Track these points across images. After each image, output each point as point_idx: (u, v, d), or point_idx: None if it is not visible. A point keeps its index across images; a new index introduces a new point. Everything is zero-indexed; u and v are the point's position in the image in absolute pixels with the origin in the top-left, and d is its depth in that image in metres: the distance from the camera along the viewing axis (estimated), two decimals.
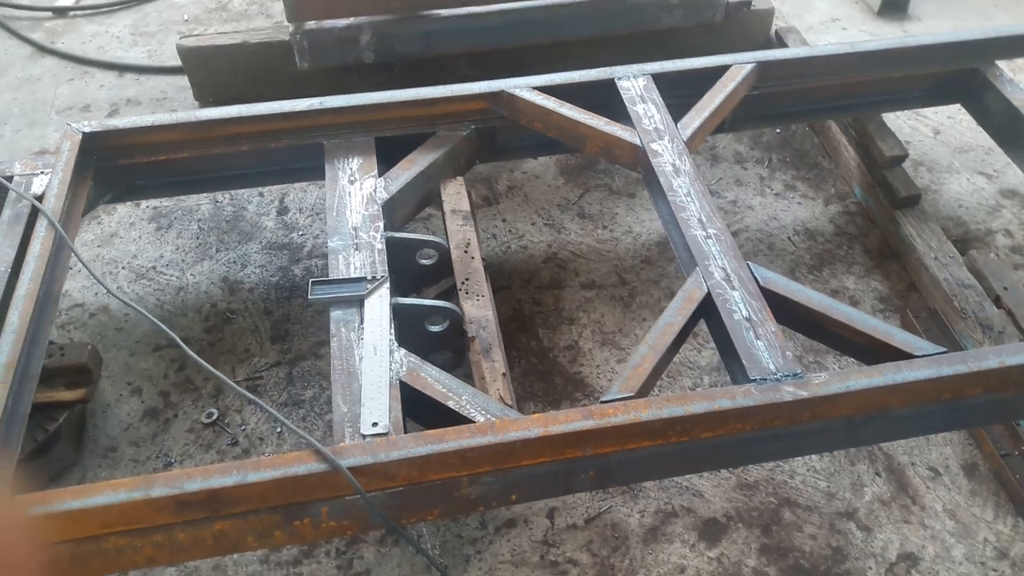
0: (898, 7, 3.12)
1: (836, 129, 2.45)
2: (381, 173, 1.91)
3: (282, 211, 2.31)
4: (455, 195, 1.95)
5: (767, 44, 2.76)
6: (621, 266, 2.19)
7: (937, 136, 2.60)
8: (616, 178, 2.43)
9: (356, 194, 1.85)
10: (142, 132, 1.92)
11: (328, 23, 2.33)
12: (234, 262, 2.15)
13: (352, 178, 1.89)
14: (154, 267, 2.13)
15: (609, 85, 2.05)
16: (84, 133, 1.88)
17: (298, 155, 2.01)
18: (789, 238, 2.28)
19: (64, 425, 1.71)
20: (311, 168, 2.04)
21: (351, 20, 2.34)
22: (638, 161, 1.90)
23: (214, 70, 2.59)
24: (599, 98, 2.04)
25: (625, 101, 1.98)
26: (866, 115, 2.31)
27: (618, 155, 1.93)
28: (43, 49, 2.93)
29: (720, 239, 1.64)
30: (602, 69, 2.07)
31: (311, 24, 2.31)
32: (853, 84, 2.21)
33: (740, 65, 2.07)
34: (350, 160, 1.93)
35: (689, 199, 1.73)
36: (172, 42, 2.90)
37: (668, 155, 1.84)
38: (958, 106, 2.33)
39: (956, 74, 2.23)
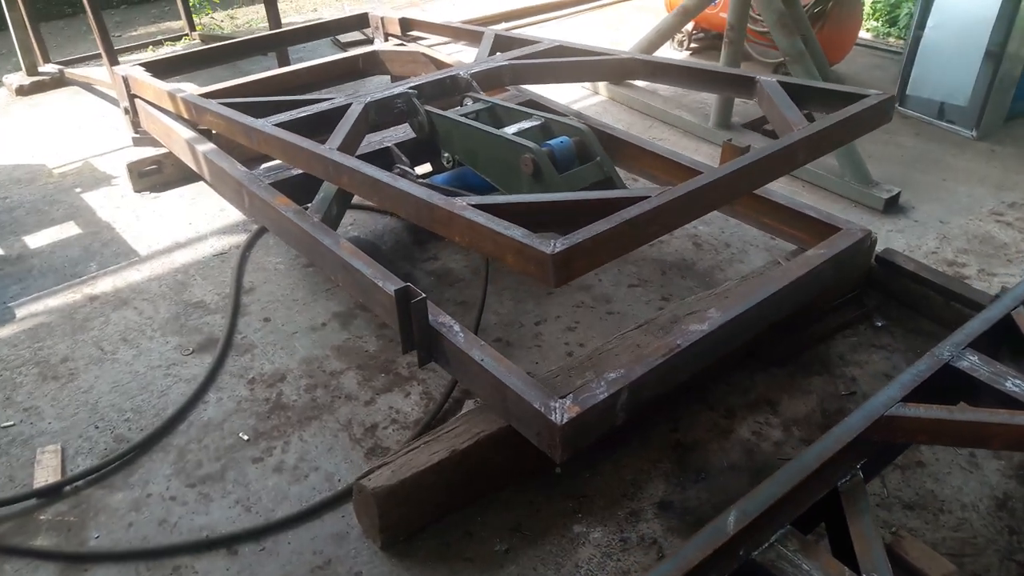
0: (895, 204, 3.61)
1: None
2: None
3: None
4: None
5: (869, 268, 2.99)
6: None
7: None
8: None
9: None
10: None
11: (588, 400, 1.98)
12: None
13: None
14: None
15: (945, 371, 2.01)
16: None
17: None
18: None
19: None
20: None
21: (609, 388, 2.02)
22: None
23: (416, 500, 2.04)
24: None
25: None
26: None
27: None
28: (77, 558, 2.07)
29: None
30: (934, 357, 2.03)
31: (573, 412, 1.94)
32: None
33: None
34: None
35: None
36: (251, 472, 2.28)
37: None
38: None
39: None
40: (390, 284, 2.39)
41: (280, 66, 4.61)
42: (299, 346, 2.81)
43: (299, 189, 3.12)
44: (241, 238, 3.42)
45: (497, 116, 3.07)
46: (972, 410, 1.88)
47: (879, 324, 2.90)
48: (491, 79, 3.36)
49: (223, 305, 3.01)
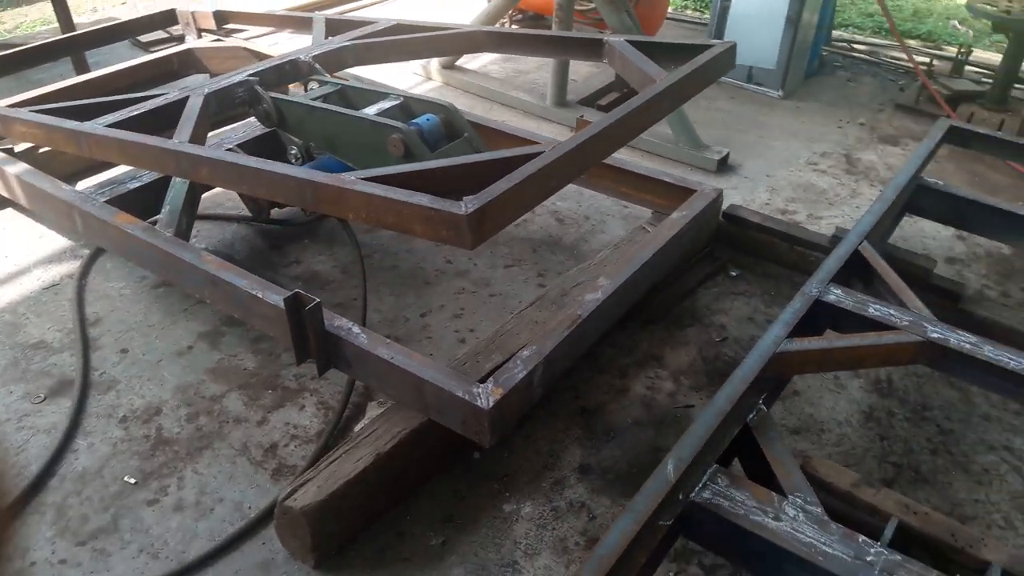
0: (726, 164, 3.94)
1: None
2: None
3: None
4: None
5: (718, 224, 3.25)
6: None
7: None
8: None
9: None
10: None
11: (509, 380, 2.03)
12: None
13: None
14: None
15: (817, 306, 2.26)
16: None
17: None
18: None
19: None
20: None
21: (526, 366, 2.08)
22: (922, 354, 2.13)
23: (347, 511, 2.00)
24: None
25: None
26: None
27: (899, 359, 2.15)
28: None
29: None
30: (805, 295, 2.26)
31: (498, 394, 1.98)
32: None
33: None
34: None
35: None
36: (148, 516, 2.14)
37: (953, 336, 2.11)
38: None
39: None
40: (273, 294, 2.31)
41: (79, 73, 4.21)
42: (168, 374, 2.62)
43: (136, 205, 2.91)
44: (73, 266, 3.11)
45: (349, 98, 3.02)
46: (847, 336, 2.13)
47: (734, 274, 3.18)
48: (334, 61, 3.30)
49: (69, 342, 2.74)
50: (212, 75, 4.17)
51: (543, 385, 2.18)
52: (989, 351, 2.07)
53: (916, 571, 1.60)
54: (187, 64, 4.13)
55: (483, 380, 2.09)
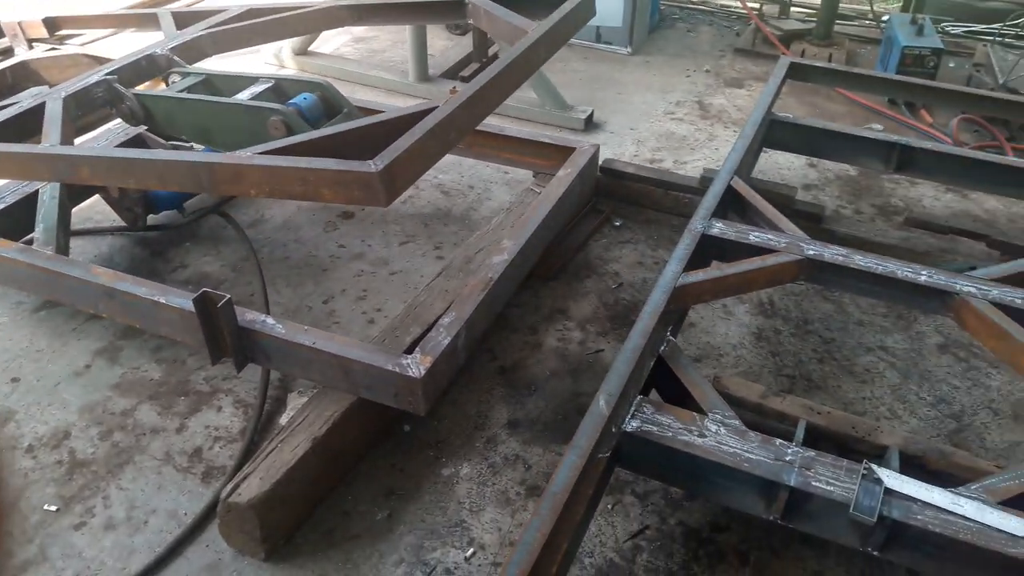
0: (591, 122, 4.11)
1: None
2: None
3: None
4: None
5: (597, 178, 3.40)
6: None
7: None
8: None
9: None
10: None
11: (436, 347, 2.09)
12: None
13: None
14: None
15: (704, 240, 2.44)
16: None
17: None
18: None
19: None
20: None
21: (449, 333, 2.14)
22: (803, 271, 2.35)
23: (293, 498, 2.01)
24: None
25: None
26: None
27: (783, 278, 2.36)
28: None
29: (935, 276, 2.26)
30: (692, 232, 2.44)
31: (427, 363, 2.04)
32: None
33: None
34: None
35: (887, 262, 2.29)
36: (78, 540, 2.07)
37: (827, 251, 2.33)
38: None
39: None
40: (177, 298, 2.27)
41: None
42: (69, 396, 2.50)
43: (1, 229, 2.73)
44: None
45: (216, 87, 2.94)
46: (736, 264, 2.32)
47: (617, 223, 3.35)
48: (192, 52, 3.19)
49: None
50: (52, 86, 3.91)
51: (466, 349, 2.25)
52: (859, 260, 2.31)
53: (828, 462, 1.80)
54: (23, 77, 3.87)
55: (408, 352, 2.14)
